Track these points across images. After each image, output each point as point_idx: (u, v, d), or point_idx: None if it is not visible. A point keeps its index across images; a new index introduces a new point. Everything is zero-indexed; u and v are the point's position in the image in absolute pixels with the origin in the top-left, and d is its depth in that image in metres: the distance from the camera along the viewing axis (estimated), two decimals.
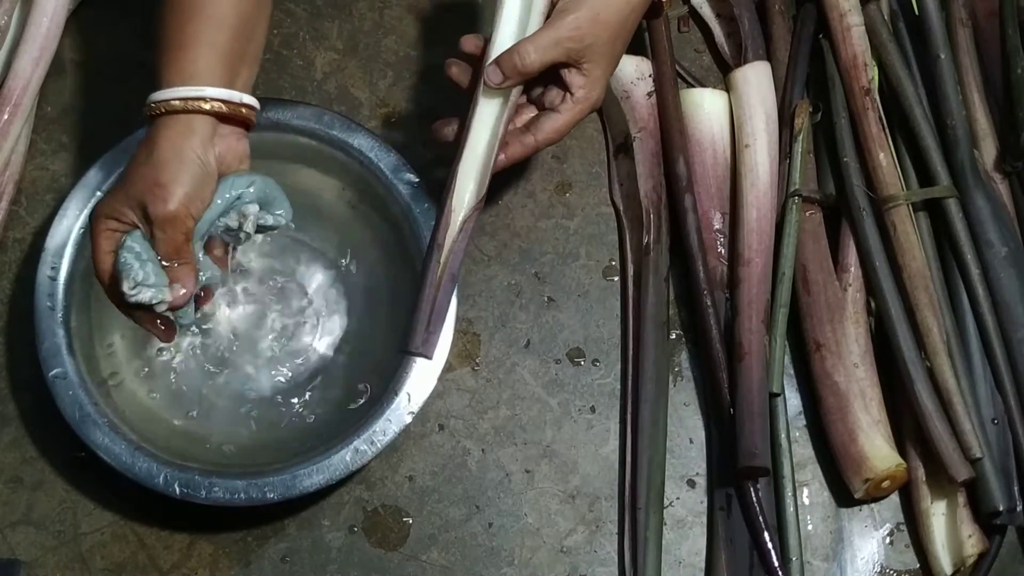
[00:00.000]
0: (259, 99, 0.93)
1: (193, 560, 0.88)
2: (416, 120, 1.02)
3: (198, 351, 0.92)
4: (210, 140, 0.77)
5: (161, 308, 0.77)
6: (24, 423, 0.91)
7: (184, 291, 0.77)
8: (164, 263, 0.76)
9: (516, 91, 0.82)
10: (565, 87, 0.83)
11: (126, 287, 0.74)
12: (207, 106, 0.76)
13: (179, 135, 0.76)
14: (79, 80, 1.01)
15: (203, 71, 0.77)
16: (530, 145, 0.83)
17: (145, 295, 0.75)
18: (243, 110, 0.79)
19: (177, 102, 0.76)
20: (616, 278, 0.98)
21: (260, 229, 0.82)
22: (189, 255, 0.77)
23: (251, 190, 0.80)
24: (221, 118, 0.78)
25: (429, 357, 0.80)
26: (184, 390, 0.91)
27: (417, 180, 0.91)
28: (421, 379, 0.86)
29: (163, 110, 0.76)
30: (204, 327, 0.91)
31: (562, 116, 0.83)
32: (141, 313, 0.77)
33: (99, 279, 0.78)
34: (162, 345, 0.91)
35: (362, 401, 0.89)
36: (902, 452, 0.90)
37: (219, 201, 0.78)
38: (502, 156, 0.83)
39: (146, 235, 0.76)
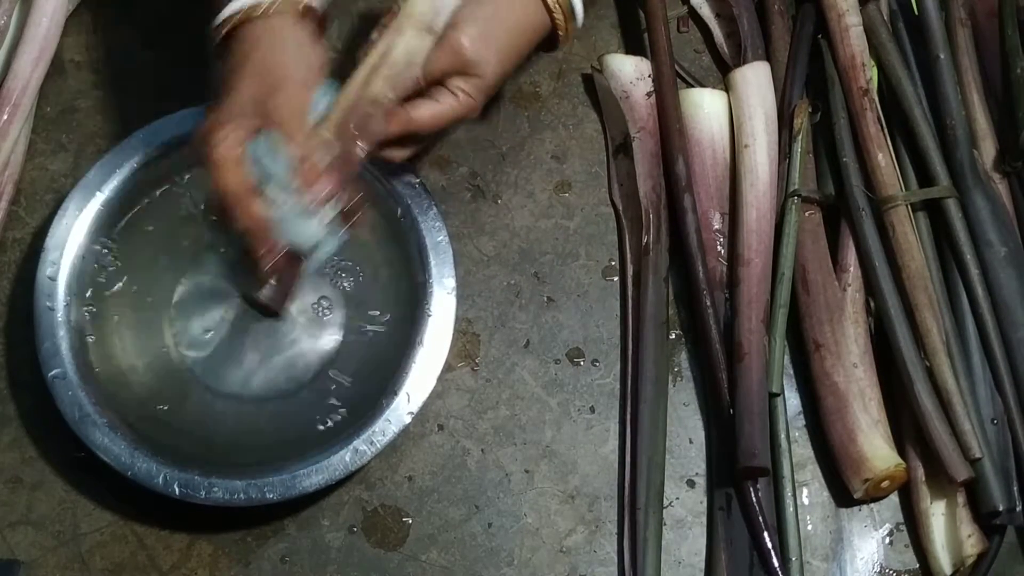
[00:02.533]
0: None
1: (193, 560, 0.88)
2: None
3: (196, 351, 0.92)
4: (296, 37, 0.77)
5: (311, 238, 0.73)
6: (24, 423, 0.91)
7: (330, 182, 0.74)
8: (301, 161, 0.73)
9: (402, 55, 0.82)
10: (449, 88, 0.84)
11: (276, 194, 0.71)
12: (286, 6, 0.77)
13: (275, 35, 0.76)
14: (79, 80, 1.01)
15: None
16: (402, 118, 0.83)
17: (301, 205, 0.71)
18: (315, 5, 0.79)
19: (257, 8, 0.76)
20: (616, 278, 0.98)
21: None
22: (323, 149, 0.75)
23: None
24: (298, 16, 0.78)
25: (275, 311, 0.77)
26: (184, 389, 0.91)
27: (417, 180, 0.91)
28: (421, 379, 0.86)
29: (242, 19, 0.76)
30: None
31: (439, 106, 0.84)
32: (269, 240, 0.73)
33: (234, 201, 0.73)
34: (162, 345, 0.91)
35: (338, 419, 0.89)
36: (901, 452, 0.90)
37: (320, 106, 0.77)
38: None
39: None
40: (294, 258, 0.76)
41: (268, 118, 0.74)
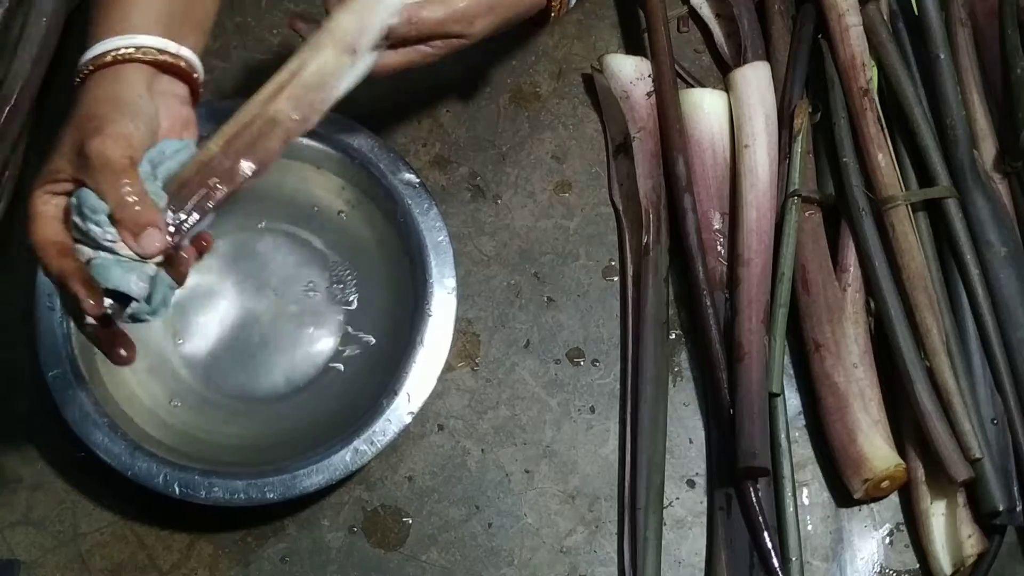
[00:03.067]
0: None
1: (193, 560, 0.88)
2: (416, 120, 1.02)
3: (196, 351, 0.92)
4: (149, 91, 0.70)
5: (137, 284, 0.66)
6: (24, 423, 0.91)
7: (156, 236, 0.66)
8: (118, 214, 0.65)
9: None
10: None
11: (89, 245, 0.65)
12: (139, 54, 0.70)
13: (111, 82, 0.70)
14: None
15: (136, 24, 0.71)
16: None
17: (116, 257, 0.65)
18: (182, 63, 0.72)
19: (104, 56, 0.70)
20: (616, 278, 0.98)
21: None
22: (142, 190, 0.66)
23: (186, 151, 0.71)
24: (158, 67, 0.71)
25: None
26: (184, 389, 0.91)
27: (417, 180, 0.91)
28: (421, 379, 0.86)
29: (91, 68, 0.70)
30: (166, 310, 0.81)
31: (414, 52, 0.80)
32: (80, 286, 0.65)
33: (42, 254, 0.67)
34: (162, 345, 0.91)
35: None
36: (901, 452, 0.90)
37: (153, 156, 0.69)
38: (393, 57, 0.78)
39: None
40: (117, 308, 0.67)
41: (83, 168, 0.67)
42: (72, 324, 0.85)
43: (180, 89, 0.74)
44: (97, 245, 0.66)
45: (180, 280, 0.70)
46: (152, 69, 0.72)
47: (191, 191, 0.70)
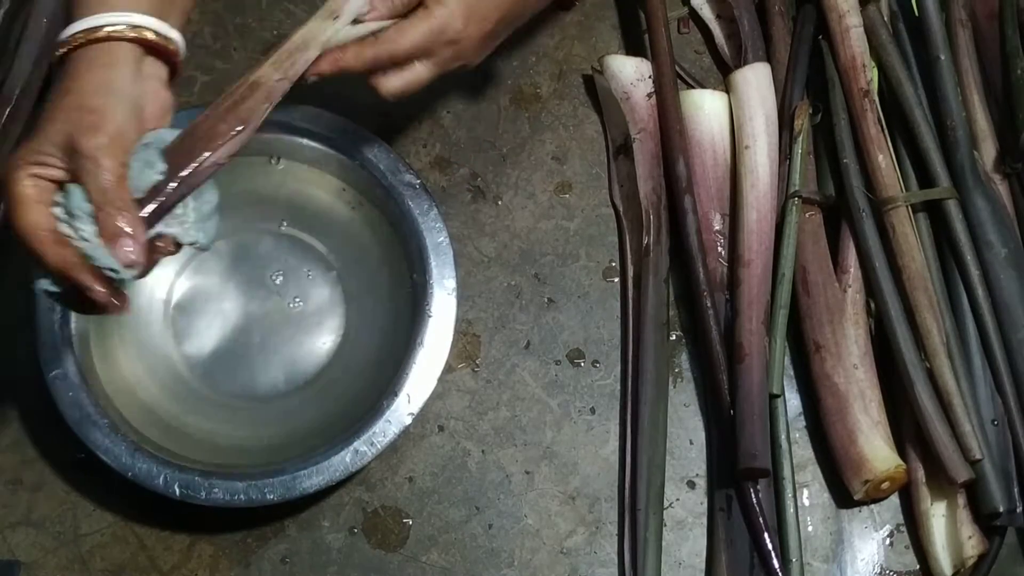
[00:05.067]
0: None
1: (193, 561, 0.88)
2: (416, 121, 1.02)
3: (196, 351, 0.92)
4: (137, 73, 0.70)
5: (128, 272, 0.66)
6: (24, 424, 0.91)
7: (133, 248, 0.66)
8: (101, 212, 0.65)
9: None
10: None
11: (80, 237, 0.64)
12: (133, 33, 0.69)
13: (103, 65, 0.68)
14: None
15: (126, 2, 0.70)
16: (368, 54, 0.77)
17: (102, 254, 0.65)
18: (171, 46, 0.72)
19: (98, 30, 0.69)
20: (616, 279, 0.98)
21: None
22: (129, 201, 0.66)
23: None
24: (147, 48, 0.71)
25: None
26: (184, 390, 0.91)
27: (418, 181, 0.91)
28: (421, 380, 0.86)
29: (81, 41, 0.68)
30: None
31: (412, 21, 0.78)
32: (87, 275, 0.66)
33: (35, 243, 0.65)
34: (162, 345, 0.91)
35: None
36: (902, 453, 0.90)
37: (140, 152, 0.68)
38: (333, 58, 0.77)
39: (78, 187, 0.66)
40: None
41: (75, 164, 0.66)
42: (72, 324, 0.85)
43: (163, 72, 0.74)
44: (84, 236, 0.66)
45: (143, 274, 0.69)
46: (141, 50, 0.71)
47: (180, 158, 0.70)
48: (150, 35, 0.71)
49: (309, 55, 0.76)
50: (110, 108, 0.67)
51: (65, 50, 0.69)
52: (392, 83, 0.80)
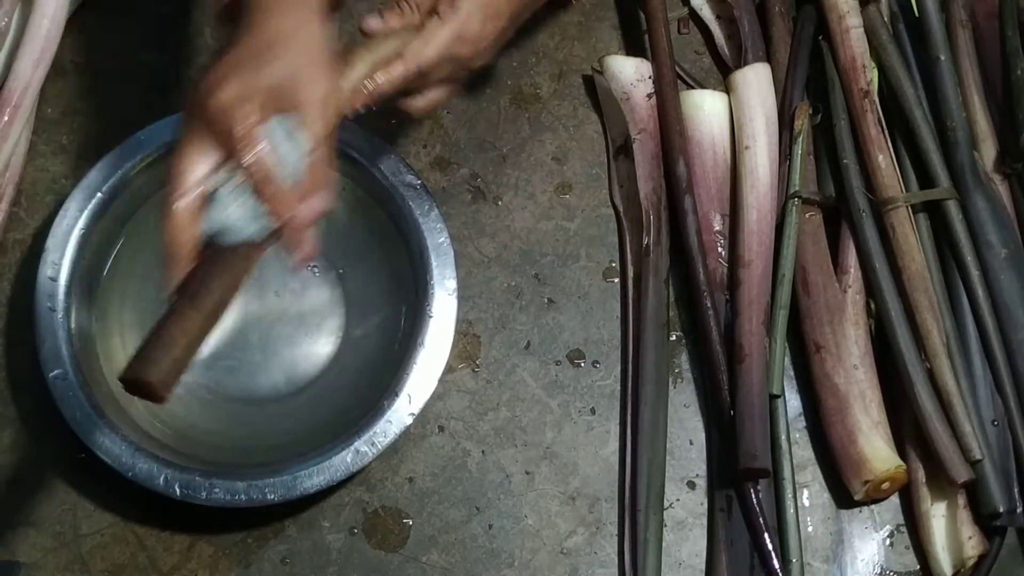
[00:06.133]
0: None
1: (193, 561, 0.88)
2: (416, 121, 1.02)
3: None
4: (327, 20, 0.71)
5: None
6: (24, 424, 0.91)
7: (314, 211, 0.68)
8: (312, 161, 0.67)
9: None
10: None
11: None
12: None
13: (303, 6, 0.69)
14: (79, 82, 1.01)
15: None
16: (398, 73, 0.77)
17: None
18: None
19: None
20: (616, 279, 0.98)
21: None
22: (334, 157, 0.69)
23: None
24: None
25: (161, 397, 0.66)
26: (184, 390, 0.91)
27: (418, 182, 0.91)
28: (421, 380, 0.86)
29: None
30: None
31: (431, 31, 0.79)
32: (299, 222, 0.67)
33: (171, 253, 0.66)
34: None
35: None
36: (902, 454, 0.90)
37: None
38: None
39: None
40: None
41: (289, 101, 0.67)
42: (73, 324, 0.85)
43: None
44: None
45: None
46: None
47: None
48: None
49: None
50: (326, 56, 0.68)
51: None
52: (421, 101, 0.82)
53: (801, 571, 0.87)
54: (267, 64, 0.67)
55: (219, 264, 0.68)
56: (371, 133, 0.92)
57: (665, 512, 0.90)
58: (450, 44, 0.79)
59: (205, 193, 0.67)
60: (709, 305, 0.92)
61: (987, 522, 0.87)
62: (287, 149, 0.68)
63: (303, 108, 0.68)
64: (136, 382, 0.65)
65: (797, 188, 0.96)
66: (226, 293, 0.69)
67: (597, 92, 1.04)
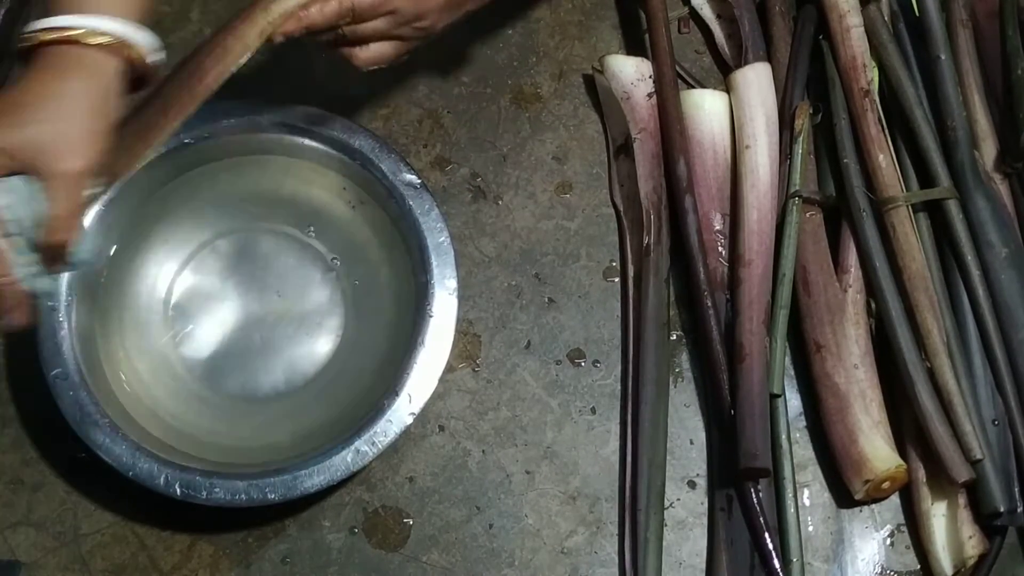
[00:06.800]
0: (259, 100, 0.93)
1: (193, 561, 0.88)
2: (416, 121, 1.02)
3: (196, 351, 0.92)
4: (118, 96, 0.66)
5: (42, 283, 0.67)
6: (25, 424, 0.91)
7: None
8: (48, 231, 0.64)
9: None
10: None
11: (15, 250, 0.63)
12: (127, 51, 0.66)
13: (92, 74, 0.64)
14: None
15: (119, 5, 0.66)
16: (332, 8, 0.74)
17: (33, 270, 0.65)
18: (149, 67, 0.68)
19: (100, 35, 0.64)
20: (616, 279, 0.98)
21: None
22: (79, 224, 0.66)
23: None
24: (133, 61, 0.67)
25: None
26: (185, 390, 0.91)
27: (418, 181, 0.91)
28: (422, 380, 0.86)
29: (62, 39, 0.64)
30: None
31: None
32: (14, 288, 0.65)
33: None
34: (163, 345, 0.91)
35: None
36: (902, 453, 0.90)
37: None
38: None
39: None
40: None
41: (39, 168, 0.63)
42: (73, 323, 0.85)
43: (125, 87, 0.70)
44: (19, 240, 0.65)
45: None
46: (122, 65, 0.67)
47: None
48: (141, 56, 0.68)
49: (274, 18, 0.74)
50: (97, 130, 0.65)
51: (45, 40, 0.65)
52: (364, 52, 0.79)
53: (801, 571, 0.87)
54: (26, 124, 0.63)
55: None
56: (372, 132, 0.92)
57: (665, 512, 0.90)
58: None
59: None
60: (709, 304, 0.92)
61: (987, 521, 0.87)
62: (25, 212, 0.64)
63: (51, 180, 0.64)
64: None
65: (797, 187, 0.95)
66: None
67: (597, 91, 1.04)
